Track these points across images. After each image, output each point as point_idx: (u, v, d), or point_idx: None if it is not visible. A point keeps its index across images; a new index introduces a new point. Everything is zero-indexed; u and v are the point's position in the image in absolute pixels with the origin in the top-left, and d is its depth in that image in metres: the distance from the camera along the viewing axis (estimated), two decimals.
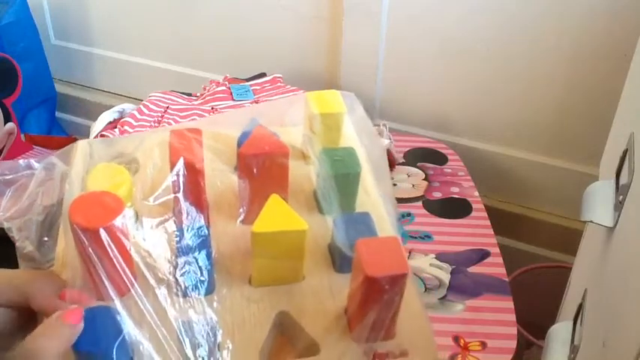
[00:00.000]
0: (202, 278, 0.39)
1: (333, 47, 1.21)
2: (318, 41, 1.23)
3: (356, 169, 0.44)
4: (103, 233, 0.35)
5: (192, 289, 0.38)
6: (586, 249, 0.74)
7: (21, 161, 0.47)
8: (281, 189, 0.41)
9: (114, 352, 0.34)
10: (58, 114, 1.61)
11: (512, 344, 0.76)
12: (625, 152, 0.57)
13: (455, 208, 0.97)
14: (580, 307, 0.61)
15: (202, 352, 0.36)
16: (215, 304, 0.39)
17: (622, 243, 0.52)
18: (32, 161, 0.46)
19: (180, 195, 0.42)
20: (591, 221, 0.57)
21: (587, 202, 0.59)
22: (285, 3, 1.22)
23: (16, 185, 0.45)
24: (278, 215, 0.38)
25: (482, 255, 0.89)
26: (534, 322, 0.94)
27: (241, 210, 0.44)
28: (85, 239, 0.35)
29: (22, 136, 1.43)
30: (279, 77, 1.15)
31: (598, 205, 0.58)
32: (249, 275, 0.41)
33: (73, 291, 0.37)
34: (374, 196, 0.46)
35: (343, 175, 0.44)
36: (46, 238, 0.43)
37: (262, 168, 0.41)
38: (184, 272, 0.38)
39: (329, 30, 1.21)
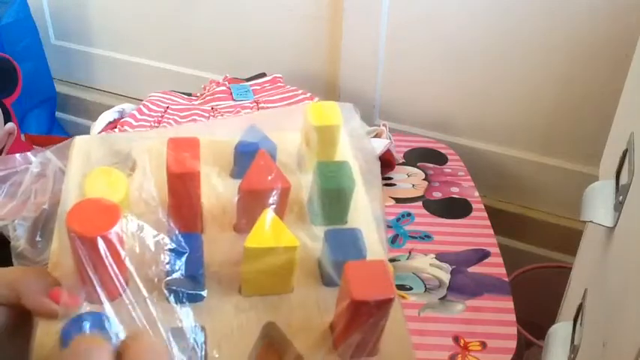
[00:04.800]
0: (193, 286, 0.39)
1: (333, 47, 1.21)
2: (318, 41, 1.23)
3: (349, 184, 0.44)
4: (100, 241, 0.35)
5: (183, 297, 0.39)
6: (586, 249, 0.74)
7: (18, 155, 0.46)
8: (279, 215, 0.41)
9: None
10: (58, 114, 1.61)
11: (512, 344, 0.76)
12: (625, 152, 0.57)
13: (455, 208, 0.97)
14: (580, 307, 0.61)
15: None
16: (204, 312, 0.39)
17: (622, 243, 0.52)
18: (29, 154, 0.46)
19: (175, 203, 0.42)
20: (591, 221, 0.57)
21: (587, 202, 0.59)
22: (285, 3, 1.22)
23: (10, 181, 0.45)
24: (270, 230, 0.39)
25: (482, 255, 0.89)
26: (534, 322, 0.95)
27: (235, 220, 0.44)
28: (81, 246, 0.36)
29: (22, 136, 1.43)
30: (279, 77, 1.15)
31: (598, 205, 0.58)
32: (239, 284, 0.41)
33: (63, 291, 0.38)
34: (365, 213, 0.46)
35: (336, 189, 0.44)
36: (39, 238, 0.43)
37: (262, 200, 0.42)
38: (175, 279, 0.38)
39: (329, 30, 1.21)
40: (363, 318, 0.36)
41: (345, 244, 0.41)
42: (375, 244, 0.43)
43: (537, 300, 0.94)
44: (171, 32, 1.40)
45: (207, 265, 0.40)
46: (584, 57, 1.00)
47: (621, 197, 0.54)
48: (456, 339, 0.76)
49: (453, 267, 0.87)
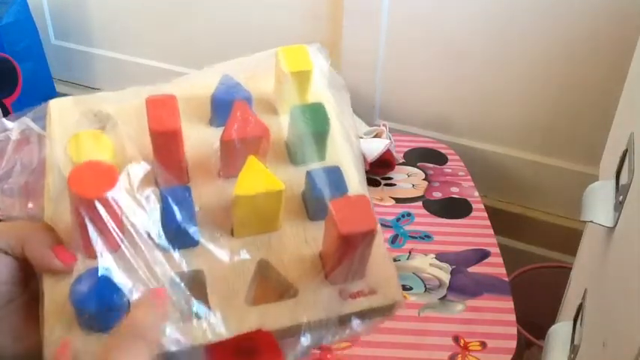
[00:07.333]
0: (187, 233, 0.41)
1: (333, 47, 1.21)
2: (318, 41, 1.22)
3: (325, 126, 0.46)
4: (101, 201, 0.38)
5: (178, 244, 0.41)
6: (586, 249, 0.74)
7: None
8: (261, 159, 0.44)
9: (116, 310, 0.37)
10: None
11: (512, 344, 0.76)
12: (625, 152, 0.57)
13: (455, 208, 0.97)
14: (580, 307, 0.61)
15: (190, 303, 0.39)
16: (200, 257, 0.41)
17: (622, 243, 0.52)
18: (4, 120, 0.47)
19: (160, 159, 0.45)
20: (591, 221, 0.57)
21: (587, 202, 0.59)
22: (285, 3, 1.22)
23: None
24: (256, 177, 0.42)
25: (482, 255, 0.89)
26: (534, 322, 0.95)
27: (220, 167, 0.47)
28: (84, 207, 0.38)
29: None
30: None
31: (598, 205, 0.58)
32: (230, 227, 0.43)
33: (65, 250, 0.39)
34: (342, 150, 0.49)
35: (312, 132, 0.46)
36: (30, 205, 0.44)
37: (243, 149, 0.44)
38: (169, 229, 0.41)
39: (329, 30, 1.21)
40: (350, 249, 0.39)
41: (327, 181, 0.44)
42: (353, 179, 0.46)
43: (537, 300, 0.94)
44: (171, 32, 1.40)
45: (198, 212, 0.43)
46: (584, 57, 1.00)
47: (621, 197, 0.54)
48: (456, 339, 0.76)
49: (453, 267, 0.87)
